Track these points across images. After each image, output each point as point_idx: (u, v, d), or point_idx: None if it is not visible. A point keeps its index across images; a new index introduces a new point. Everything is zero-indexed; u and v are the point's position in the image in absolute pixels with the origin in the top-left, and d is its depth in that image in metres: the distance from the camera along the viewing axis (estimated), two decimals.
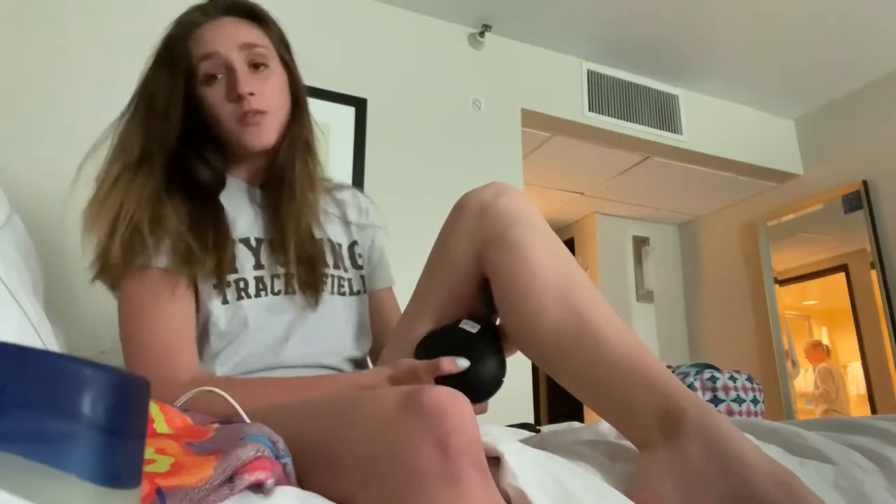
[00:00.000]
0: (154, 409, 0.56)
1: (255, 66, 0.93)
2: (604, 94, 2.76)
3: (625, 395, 0.65)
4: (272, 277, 0.92)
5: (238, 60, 0.91)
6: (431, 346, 0.80)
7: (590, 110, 2.70)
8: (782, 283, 3.25)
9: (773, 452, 0.74)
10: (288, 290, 0.93)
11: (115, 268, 0.85)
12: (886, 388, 2.77)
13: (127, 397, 0.34)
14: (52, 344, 0.81)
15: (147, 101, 0.92)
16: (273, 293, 0.92)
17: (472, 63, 2.56)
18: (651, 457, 0.60)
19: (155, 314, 0.85)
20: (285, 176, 0.98)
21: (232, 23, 0.94)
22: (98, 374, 0.32)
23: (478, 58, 2.57)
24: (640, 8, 2.44)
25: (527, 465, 0.56)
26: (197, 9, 0.95)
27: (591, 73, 2.76)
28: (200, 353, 0.89)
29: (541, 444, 0.85)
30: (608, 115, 2.73)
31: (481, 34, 2.54)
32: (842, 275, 3.02)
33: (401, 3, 2.42)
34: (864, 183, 2.87)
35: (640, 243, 3.86)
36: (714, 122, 3.01)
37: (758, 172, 3.17)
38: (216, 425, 0.57)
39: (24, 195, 1.60)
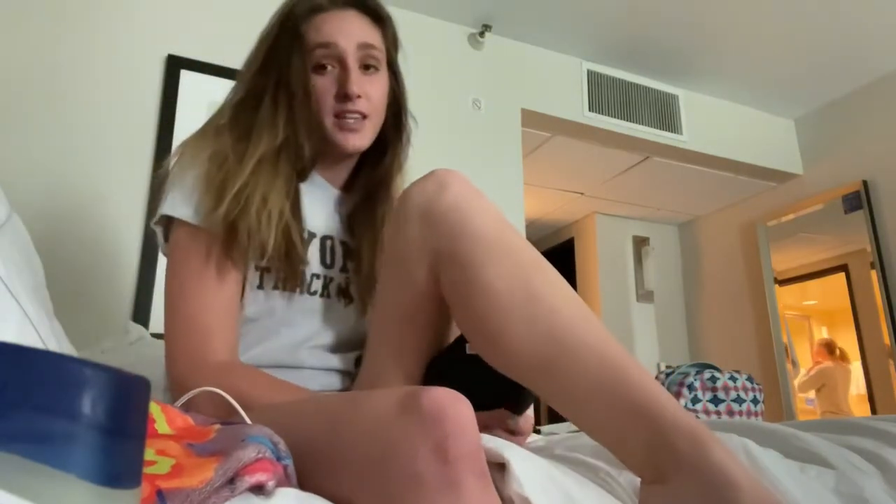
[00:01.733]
0: (155, 409, 0.56)
1: (367, 67, 0.92)
2: (604, 94, 2.76)
3: (610, 425, 0.59)
4: (312, 276, 0.90)
5: (353, 58, 0.90)
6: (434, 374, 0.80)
7: (590, 110, 2.70)
8: (782, 283, 3.26)
9: (774, 456, 0.74)
10: (324, 293, 0.91)
11: (204, 230, 0.82)
12: (886, 388, 2.77)
13: (127, 397, 0.34)
14: (52, 344, 0.81)
15: (286, 85, 0.89)
16: (309, 292, 0.90)
17: (472, 63, 2.56)
18: (650, 493, 0.57)
19: (212, 287, 0.82)
20: (382, 190, 0.98)
21: (355, 17, 0.92)
22: (98, 374, 0.32)
23: (478, 58, 2.57)
24: (640, 8, 2.44)
25: (533, 473, 0.56)
26: None
27: (591, 73, 2.76)
28: None
29: (542, 448, 0.85)
30: (608, 115, 2.73)
31: (481, 34, 2.54)
32: (842, 275, 3.02)
33: (401, 3, 2.42)
34: (864, 183, 2.87)
35: (640, 243, 3.86)
36: (714, 122, 3.02)
37: (758, 172, 3.17)
38: (217, 426, 0.57)
39: (24, 195, 1.60)
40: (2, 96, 1.78)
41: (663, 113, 2.88)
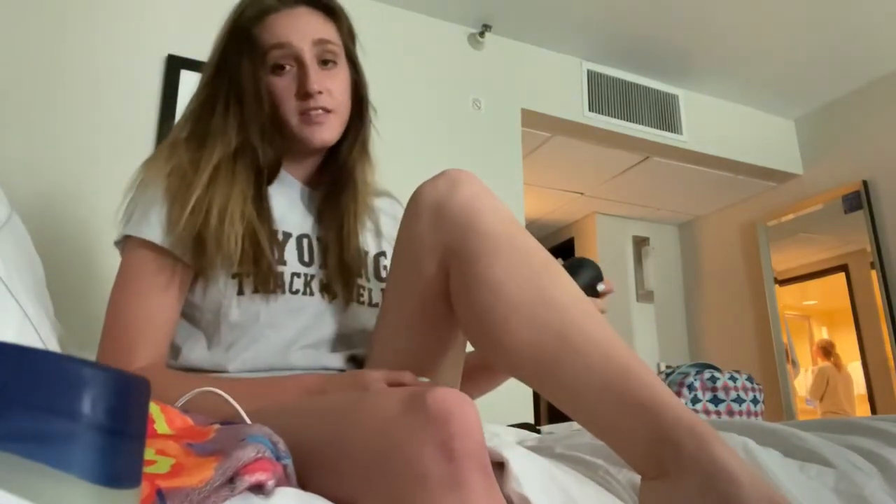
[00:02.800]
0: (155, 409, 0.56)
1: (325, 62, 0.92)
2: (604, 94, 2.76)
3: (613, 422, 0.59)
4: (292, 275, 0.90)
5: (309, 56, 0.90)
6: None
7: (590, 110, 2.70)
8: (782, 283, 3.25)
9: (773, 455, 0.74)
10: (306, 291, 0.91)
11: (151, 245, 0.84)
12: (886, 388, 2.77)
13: (127, 397, 0.34)
14: (53, 344, 0.81)
15: (236, 90, 0.90)
16: (291, 291, 0.90)
17: (472, 63, 2.56)
18: (651, 489, 0.57)
19: (154, 295, 0.85)
20: (345, 179, 0.98)
21: (307, 14, 0.92)
22: (98, 374, 0.32)
23: (478, 58, 2.57)
24: (640, 8, 2.44)
25: (531, 471, 0.56)
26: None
27: (591, 73, 2.76)
28: (210, 341, 0.88)
29: (542, 447, 0.85)
30: (608, 115, 2.73)
31: (481, 34, 2.54)
32: (842, 275, 3.02)
33: (401, 3, 2.42)
34: (864, 183, 2.87)
35: (640, 243, 3.86)
36: (714, 122, 3.01)
37: (758, 172, 3.17)
38: (217, 426, 0.57)
39: (24, 195, 1.60)
40: (2, 96, 1.78)
41: (663, 113, 2.87)
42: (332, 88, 0.91)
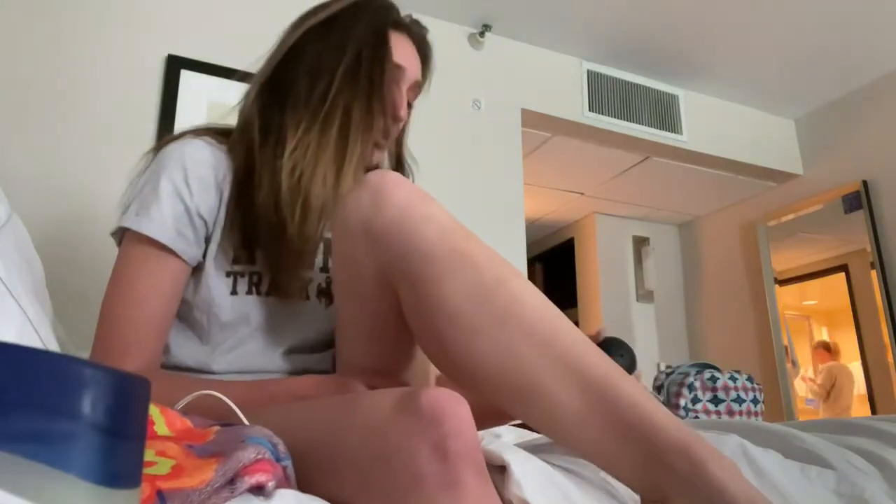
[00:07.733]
0: (154, 411, 0.56)
1: (408, 104, 0.95)
2: (604, 94, 2.76)
3: (601, 447, 0.56)
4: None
5: (408, 88, 0.94)
6: None
7: (590, 110, 2.70)
8: (782, 283, 3.25)
9: (773, 457, 0.74)
10: (302, 295, 0.89)
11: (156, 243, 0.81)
12: (886, 388, 2.77)
13: (127, 397, 0.34)
14: (53, 344, 0.81)
15: (376, 89, 0.89)
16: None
17: (472, 63, 2.56)
18: None
19: (152, 296, 0.81)
20: None
21: (416, 55, 0.97)
22: (98, 374, 0.32)
23: (478, 58, 2.57)
24: (640, 8, 2.44)
25: (533, 475, 0.55)
26: (397, 11, 0.97)
27: (591, 73, 2.76)
28: (201, 338, 0.86)
29: (543, 447, 0.84)
30: (608, 115, 2.73)
31: (481, 34, 2.54)
32: (842, 275, 3.02)
33: (401, 3, 2.42)
34: (864, 183, 2.87)
35: (640, 243, 3.86)
36: (714, 122, 3.02)
37: (758, 172, 3.17)
38: (216, 427, 0.57)
39: (24, 195, 1.60)
40: (2, 97, 1.78)
41: (663, 113, 2.87)
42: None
